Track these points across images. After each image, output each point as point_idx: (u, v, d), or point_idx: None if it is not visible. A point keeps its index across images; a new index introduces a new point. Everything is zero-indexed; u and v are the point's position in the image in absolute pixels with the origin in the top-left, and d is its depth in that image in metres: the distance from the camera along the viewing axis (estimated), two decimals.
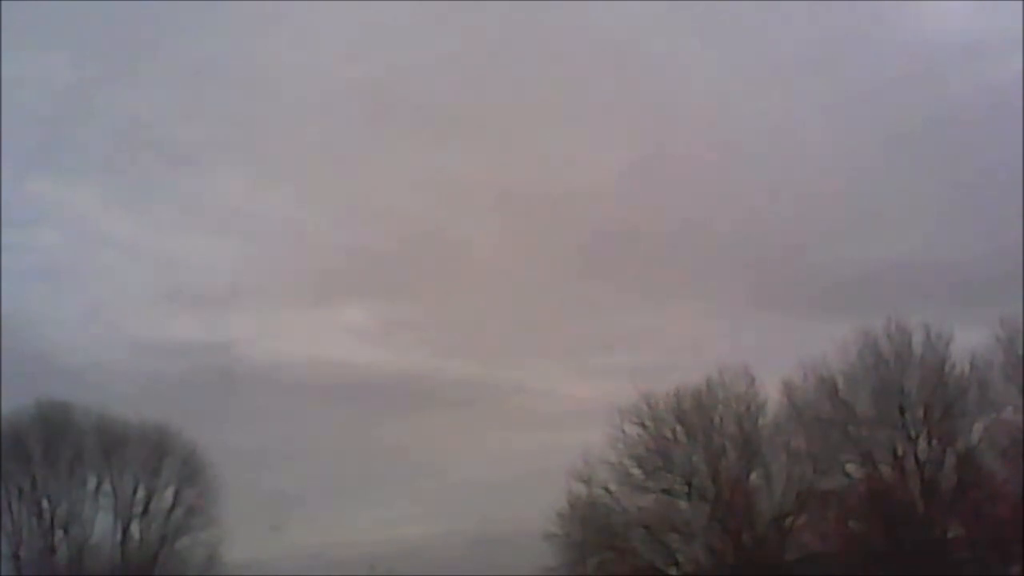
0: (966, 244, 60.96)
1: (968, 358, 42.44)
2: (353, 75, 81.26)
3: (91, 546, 47.46)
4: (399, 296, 78.40)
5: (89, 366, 60.57)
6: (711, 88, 76.96)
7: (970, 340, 42.78)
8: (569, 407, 66.14)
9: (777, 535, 43.64)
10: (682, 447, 44.51)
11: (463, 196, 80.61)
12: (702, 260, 71.93)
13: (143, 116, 77.54)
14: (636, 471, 44.84)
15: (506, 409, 69.67)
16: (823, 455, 43.32)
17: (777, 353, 50.52)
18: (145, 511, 48.05)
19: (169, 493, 48.57)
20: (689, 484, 44.11)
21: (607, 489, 44.94)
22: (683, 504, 44.51)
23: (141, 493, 48.17)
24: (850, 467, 43.61)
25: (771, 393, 44.77)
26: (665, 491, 44.60)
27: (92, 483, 47.90)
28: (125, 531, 47.71)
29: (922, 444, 42.45)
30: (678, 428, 44.62)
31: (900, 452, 42.52)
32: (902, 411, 42.53)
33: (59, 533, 47.16)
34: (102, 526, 47.62)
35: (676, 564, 44.66)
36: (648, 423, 44.81)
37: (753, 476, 44.27)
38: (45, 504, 47.21)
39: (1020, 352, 41.52)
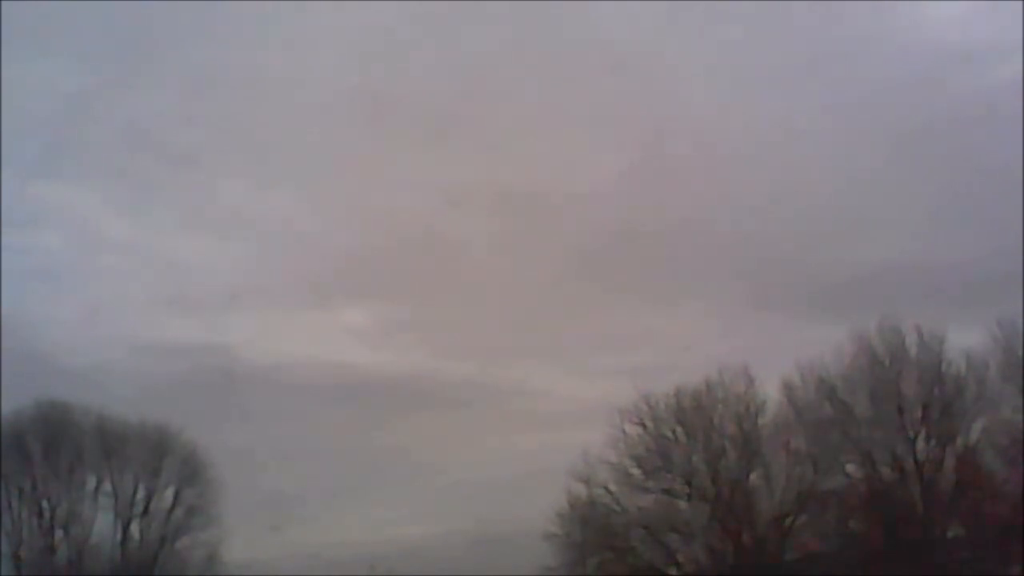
0: (964, 245, 61.01)
1: (965, 358, 42.66)
2: (352, 77, 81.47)
3: (91, 546, 47.44)
4: (399, 297, 78.28)
5: (89, 367, 60.50)
6: (710, 89, 77.15)
7: (968, 341, 43.08)
8: (569, 407, 66.25)
9: (777, 535, 43.66)
10: (682, 447, 44.55)
11: (462, 197, 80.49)
12: (702, 260, 72.05)
13: (143, 119, 77.51)
14: (636, 471, 44.88)
15: (506, 409, 69.65)
16: (823, 455, 43.41)
17: (776, 354, 50.52)
18: (145, 511, 48.04)
19: (169, 493, 48.59)
20: (689, 484, 44.14)
21: (607, 489, 44.98)
22: (683, 504, 44.54)
23: (141, 493, 48.19)
24: (850, 467, 43.77)
25: (770, 393, 44.93)
26: (665, 491, 44.62)
27: (92, 483, 47.89)
28: (125, 531, 47.70)
29: (921, 444, 42.62)
30: (678, 428, 44.66)
31: (899, 452, 42.66)
32: (900, 411, 42.69)
33: (59, 533, 47.15)
34: (102, 526, 47.66)
35: (676, 564, 44.68)
36: (648, 423, 44.87)
37: (753, 476, 44.27)
38: (45, 504, 47.19)
39: (1019, 352, 41.68)
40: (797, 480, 43.53)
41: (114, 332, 68.10)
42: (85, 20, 72.63)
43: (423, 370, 72.29)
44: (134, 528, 47.90)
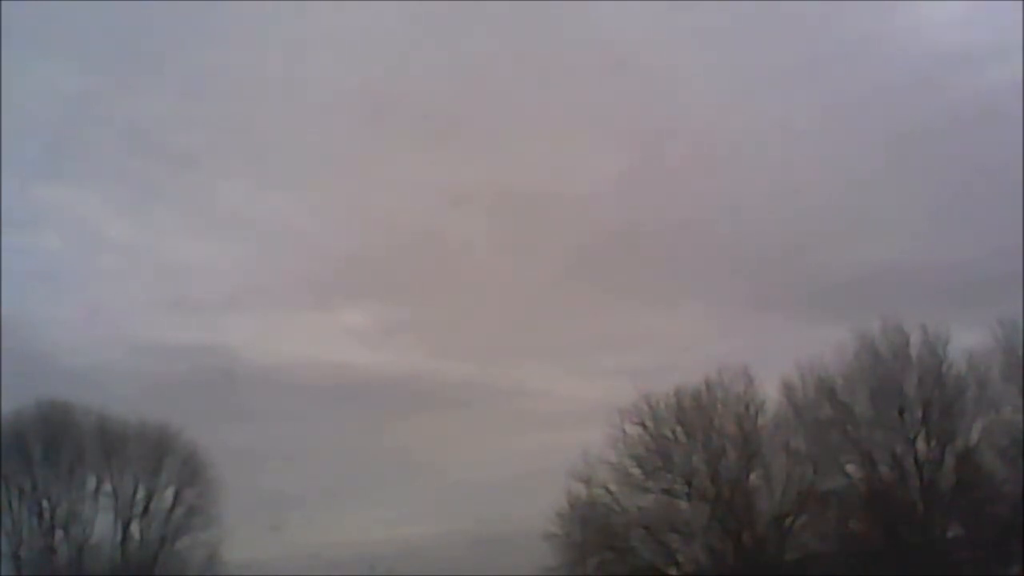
0: (964, 245, 61.20)
1: (966, 358, 42.67)
2: (352, 79, 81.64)
3: (91, 546, 47.39)
4: (399, 298, 78.55)
5: (89, 367, 60.66)
6: (710, 91, 77.34)
7: (968, 341, 43.09)
8: (569, 407, 66.51)
9: (777, 535, 43.63)
10: (682, 447, 44.50)
11: (462, 198, 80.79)
12: (701, 261, 72.35)
13: (144, 120, 77.88)
14: (636, 471, 44.82)
15: (505, 410, 69.85)
16: (823, 455, 43.40)
17: (776, 354, 50.66)
18: (145, 511, 48.00)
19: (169, 493, 48.54)
20: (689, 484, 44.10)
21: (607, 489, 44.90)
22: (683, 504, 44.50)
23: (141, 493, 48.13)
24: (850, 467, 43.75)
25: (770, 393, 44.91)
26: (665, 491, 44.56)
27: (92, 483, 47.83)
28: (125, 531, 47.65)
29: (921, 444, 42.56)
30: (678, 428, 44.61)
31: (899, 452, 42.64)
32: (901, 412, 42.67)
33: (59, 533, 47.11)
34: (102, 526, 47.59)
35: (676, 564, 44.63)
36: (648, 423, 44.82)
37: (753, 476, 44.23)
38: (45, 504, 47.15)
39: (1019, 352, 41.67)
40: (797, 480, 43.49)
41: (114, 332, 68.39)
42: (85, 21, 73.02)
43: (423, 370, 72.60)
44: (134, 528, 47.88)
